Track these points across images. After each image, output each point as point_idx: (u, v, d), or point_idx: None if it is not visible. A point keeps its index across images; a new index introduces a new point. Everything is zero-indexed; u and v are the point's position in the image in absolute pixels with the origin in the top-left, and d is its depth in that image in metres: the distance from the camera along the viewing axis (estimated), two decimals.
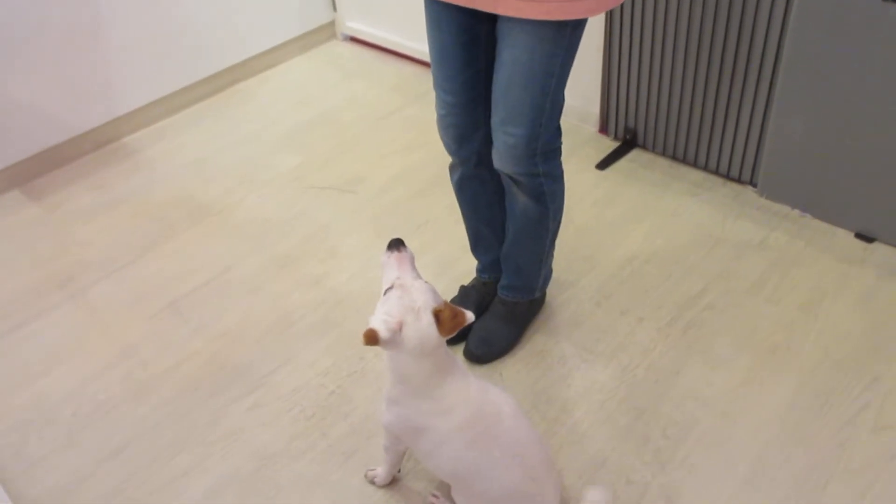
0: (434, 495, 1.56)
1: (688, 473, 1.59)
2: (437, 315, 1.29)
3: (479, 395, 1.37)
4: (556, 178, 1.67)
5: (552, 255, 1.86)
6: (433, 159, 2.59)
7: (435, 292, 1.32)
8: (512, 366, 1.86)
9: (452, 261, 2.13)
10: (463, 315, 1.31)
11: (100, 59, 2.73)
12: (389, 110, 2.90)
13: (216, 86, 3.11)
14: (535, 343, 1.91)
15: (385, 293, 1.31)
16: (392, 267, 1.34)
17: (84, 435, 1.79)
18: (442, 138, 1.73)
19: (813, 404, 1.71)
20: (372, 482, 1.62)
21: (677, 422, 1.70)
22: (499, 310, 1.91)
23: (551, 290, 2.03)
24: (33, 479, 1.70)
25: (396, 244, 1.37)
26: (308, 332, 2.00)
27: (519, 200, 1.68)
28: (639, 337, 1.90)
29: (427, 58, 3.11)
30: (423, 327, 1.27)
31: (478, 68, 1.58)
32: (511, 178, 1.64)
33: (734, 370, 1.80)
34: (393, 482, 1.61)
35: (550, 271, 1.93)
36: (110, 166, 2.74)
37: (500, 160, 1.61)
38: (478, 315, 1.93)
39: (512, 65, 1.48)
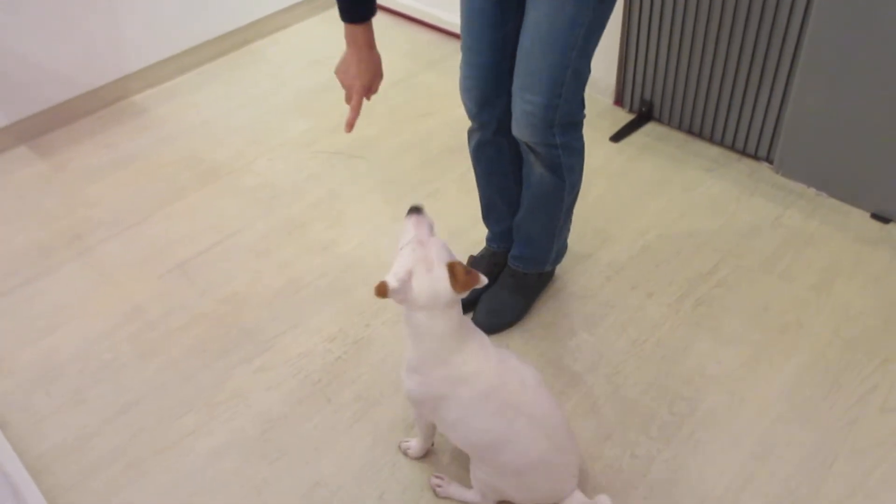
0: (438, 476, 1.55)
1: (693, 449, 1.59)
2: (451, 269, 1.27)
3: (500, 363, 1.35)
4: (575, 151, 1.64)
5: (567, 230, 1.84)
6: (444, 127, 2.56)
7: (449, 249, 1.30)
8: (519, 337, 1.85)
9: (461, 231, 2.12)
10: (477, 275, 1.29)
11: (110, 15, 2.69)
12: (401, 76, 2.86)
13: (227, 45, 3.07)
14: (543, 315, 1.90)
15: (401, 250, 1.30)
16: (409, 229, 1.33)
17: (91, 393, 1.79)
18: (463, 101, 1.70)
19: (822, 384, 1.70)
20: (405, 454, 1.61)
21: (684, 397, 1.69)
22: (508, 281, 1.89)
23: (561, 262, 2.02)
24: (40, 435, 1.71)
25: (416, 209, 1.36)
26: (315, 298, 1.99)
27: (535, 170, 1.66)
28: (648, 312, 1.89)
29: (441, 24, 3.08)
30: (435, 279, 1.26)
31: (506, 31, 1.55)
32: (529, 147, 1.61)
33: (743, 348, 1.79)
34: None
35: (565, 247, 1.91)
36: (119, 125, 2.71)
37: (518, 128, 1.58)
38: (487, 285, 1.91)
39: (534, 30, 1.45)
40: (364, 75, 1.52)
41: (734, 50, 2.17)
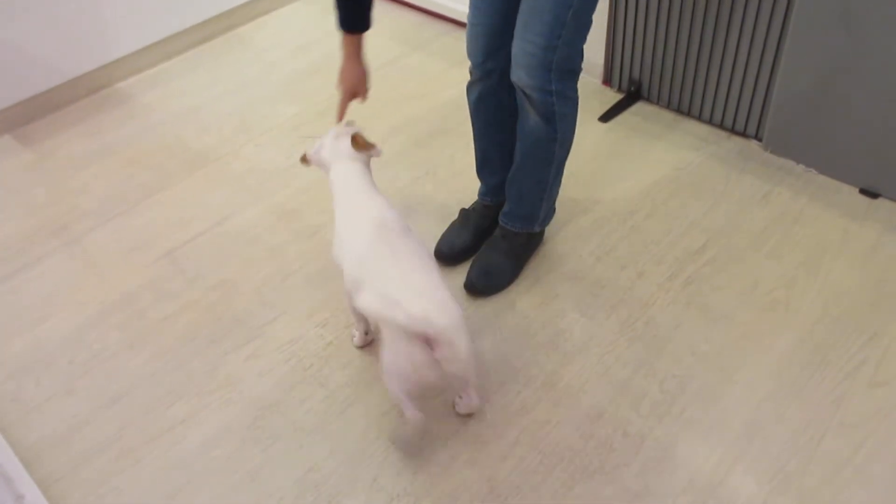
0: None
1: (684, 427, 1.60)
2: (353, 138, 1.69)
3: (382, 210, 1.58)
4: (569, 100, 1.68)
5: (556, 191, 1.87)
6: (433, 109, 2.55)
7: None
8: (511, 319, 1.85)
9: (453, 212, 2.11)
10: (374, 145, 1.70)
11: (92, 1, 2.66)
12: (388, 59, 2.84)
13: (212, 31, 3.04)
14: (534, 296, 1.90)
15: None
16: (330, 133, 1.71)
17: (81, 383, 1.79)
18: (469, 49, 1.76)
19: (811, 360, 1.71)
20: (353, 341, 1.80)
21: (675, 376, 1.70)
22: (499, 243, 1.92)
23: (552, 244, 2.02)
24: (30, 425, 1.71)
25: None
26: (306, 283, 1.99)
27: (530, 118, 1.69)
28: (638, 291, 1.89)
29: (429, 6, 3.05)
30: (340, 143, 1.68)
31: None
32: (524, 93, 1.65)
33: (733, 325, 1.80)
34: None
35: (553, 210, 1.94)
36: (104, 112, 2.69)
37: (516, 69, 1.62)
38: (478, 238, 1.95)
39: None
40: (345, 82, 1.79)
41: (721, 27, 2.16)
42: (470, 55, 1.77)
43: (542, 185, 1.82)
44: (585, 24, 1.59)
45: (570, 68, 1.63)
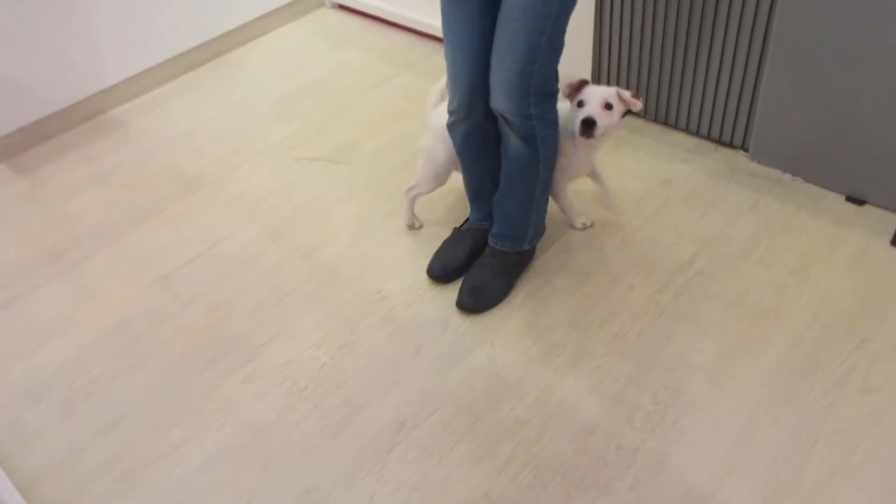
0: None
1: (677, 438, 1.61)
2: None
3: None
4: (549, 122, 1.70)
5: (543, 209, 1.89)
6: (424, 128, 2.57)
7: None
8: (504, 335, 1.87)
9: (446, 230, 2.13)
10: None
11: (86, 29, 2.69)
12: (379, 79, 2.87)
13: (204, 55, 3.07)
14: (526, 312, 1.92)
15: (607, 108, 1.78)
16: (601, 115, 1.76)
17: (79, 409, 1.80)
18: (451, 91, 1.76)
19: (802, 367, 1.72)
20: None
21: (667, 387, 1.71)
22: (489, 261, 1.94)
23: (543, 259, 2.04)
24: (29, 453, 1.72)
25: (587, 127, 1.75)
26: (300, 305, 2.01)
27: (511, 142, 1.72)
28: (630, 304, 1.91)
29: (416, 26, 3.09)
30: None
31: (494, 15, 1.61)
32: (504, 118, 1.67)
33: (724, 335, 1.81)
34: None
35: (543, 227, 1.96)
36: (99, 139, 2.72)
37: (495, 97, 1.64)
38: (471, 257, 1.97)
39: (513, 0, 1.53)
40: None
41: (705, 41, 2.19)
42: (454, 97, 1.76)
43: (528, 204, 1.84)
44: (559, 48, 1.62)
45: (548, 91, 1.66)
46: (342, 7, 3.37)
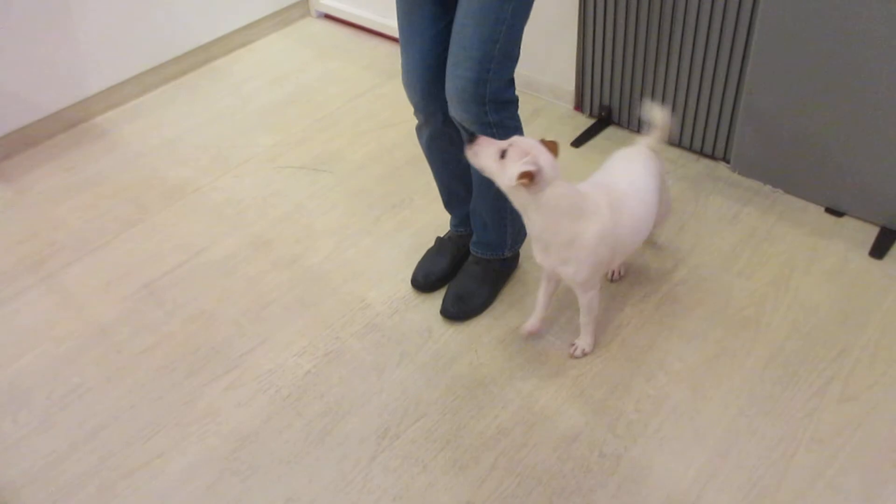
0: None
1: (659, 446, 1.62)
2: (545, 144, 1.54)
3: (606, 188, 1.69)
4: (510, 129, 1.69)
5: (519, 215, 1.89)
6: (408, 137, 2.58)
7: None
8: (488, 343, 1.87)
9: (429, 240, 2.13)
10: (554, 143, 1.55)
11: (69, 36, 2.68)
12: (364, 88, 2.88)
13: (189, 64, 3.07)
14: (509, 320, 1.93)
15: (502, 157, 1.50)
16: (485, 149, 1.52)
17: (59, 418, 1.78)
18: (409, 95, 1.77)
19: (782, 376, 1.74)
20: (583, 356, 1.82)
21: (649, 395, 1.72)
22: (473, 269, 1.95)
23: (527, 267, 2.05)
24: (8, 462, 1.70)
25: (469, 139, 1.54)
26: (284, 313, 2.00)
27: None
28: (612, 313, 1.92)
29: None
30: (547, 156, 1.52)
31: (446, 22, 1.62)
32: (463, 127, 1.67)
33: (706, 344, 1.83)
34: None
35: (523, 233, 1.95)
36: (82, 147, 2.70)
37: (452, 106, 1.65)
38: (454, 266, 1.97)
39: (467, 8, 1.54)
40: None
41: (686, 53, 2.22)
42: (410, 99, 1.79)
43: (503, 211, 1.84)
44: (513, 57, 1.61)
45: (506, 99, 1.65)
46: (327, 17, 3.38)
